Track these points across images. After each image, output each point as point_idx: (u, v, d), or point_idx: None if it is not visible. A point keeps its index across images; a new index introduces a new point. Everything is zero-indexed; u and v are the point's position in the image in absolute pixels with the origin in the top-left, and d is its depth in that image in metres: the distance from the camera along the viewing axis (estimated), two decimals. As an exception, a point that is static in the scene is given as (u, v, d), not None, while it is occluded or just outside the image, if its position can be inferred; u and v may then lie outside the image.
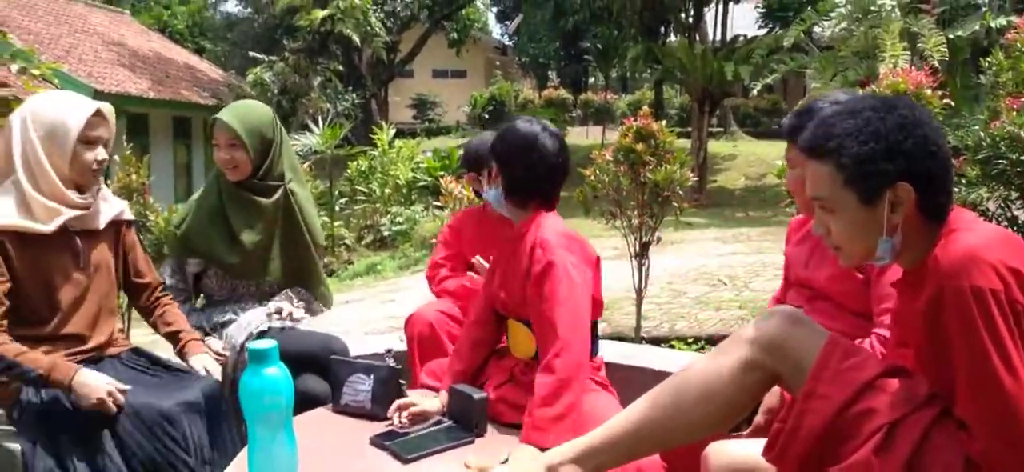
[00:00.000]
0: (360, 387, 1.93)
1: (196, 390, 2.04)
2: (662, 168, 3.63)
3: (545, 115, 20.15)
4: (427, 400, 1.90)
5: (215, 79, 18.36)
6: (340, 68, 18.33)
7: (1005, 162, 3.01)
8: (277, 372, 1.50)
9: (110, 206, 2.20)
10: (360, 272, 9.60)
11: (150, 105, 14.45)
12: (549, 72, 30.54)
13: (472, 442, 1.75)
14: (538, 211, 1.95)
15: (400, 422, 1.85)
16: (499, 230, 2.66)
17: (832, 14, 9.86)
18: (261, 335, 2.34)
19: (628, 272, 3.93)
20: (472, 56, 29.15)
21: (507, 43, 32.87)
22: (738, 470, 1.51)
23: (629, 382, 2.03)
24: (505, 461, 1.52)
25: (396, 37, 22.34)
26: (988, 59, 4.09)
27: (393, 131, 14.16)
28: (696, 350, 3.93)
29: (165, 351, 2.35)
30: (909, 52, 8.16)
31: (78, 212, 2.05)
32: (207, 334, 2.37)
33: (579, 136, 20.42)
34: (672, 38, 17.52)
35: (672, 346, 4.00)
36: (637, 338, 3.97)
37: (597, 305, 1.96)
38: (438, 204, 10.13)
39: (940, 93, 3.29)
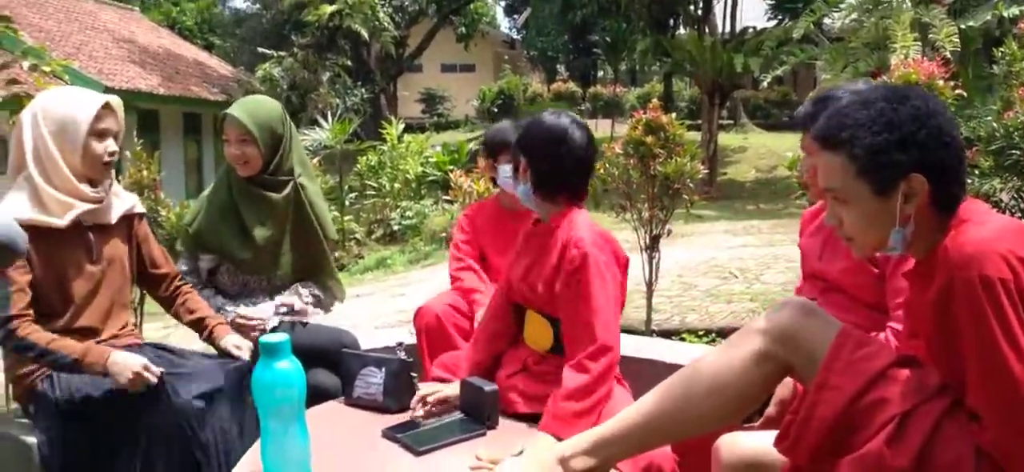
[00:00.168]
0: (372, 380, 1.94)
1: (219, 375, 2.06)
2: (672, 161, 3.63)
3: (554, 109, 20.11)
4: (448, 386, 1.92)
5: (224, 75, 18.42)
6: (349, 63, 18.38)
7: (1018, 152, 3.00)
8: (289, 365, 1.50)
9: (121, 201, 2.22)
10: (370, 266, 9.62)
11: (160, 101, 14.51)
12: (558, 66, 30.48)
13: (484, 434, 1.75)
14: (569, 205, 1.93)
15: (425, 411, 1.86)
16: (513, 220, 2.69)
17: (842, 5, 9.79)
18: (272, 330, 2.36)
19: (638, 265, 3.93)
20: (480, 50, 29.11)
21: (515, 37, 32.80)
22: (749, 462, 1.51)
23: (640, 375, 2.03)
24: (520, 453, 1.53)
25: (404, 32, 22.35)
26: (1001, 49, 4.07)
27: (402, 126, 14.16)
28: (707, 343, 3.92)
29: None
30: (920, 43, 8.08)
31: (91, 206, 2.07)
32: None
33: (588, 130, 20.34)
34: (681, 31, 17.45)
35: (682, 339, 4.00)
36: (647, 331, 3.97)
37: (619, 305, 1.96)
38: (448, 198, 10.14)
39: (952, 84, 3.27)
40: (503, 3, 30.93)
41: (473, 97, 25.54)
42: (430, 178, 12.56)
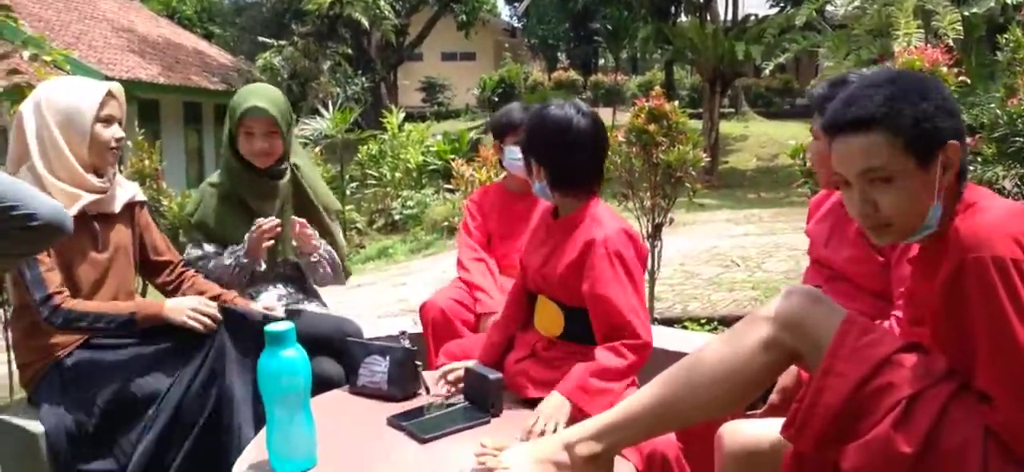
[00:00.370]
0: (376, 368, 1.95)
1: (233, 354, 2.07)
2: (675, 149, 3.62)
3: (555, 97, 20.07)
4: (467, 363, 1.94)
5: (225, 64, 18.36)
6: (349, 52, 18.32)
7: (1021, 140, 3.00)
8: (294, 354, 1.51)
9: (124, 190, 2.22)
10: (372, 256, 9.63)
11: (161, 91, 14.48)
12: (559, 54, 30.39)
13: (488, 422, 1.76)
14: (588, 195, 1.93)
15: (449, 391, 1.90)
16: (519, 203, 2.70)
17: (845, -9, 9.76)
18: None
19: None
20: (481, 38, 29.01)
21: (516, 25, 32.70)
22: (752, 449, 1.51)
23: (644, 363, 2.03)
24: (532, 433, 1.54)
25: (405, 20, 22.28)
26: (1005, 36, 4.06)
27: (403, 115, 14.15)
28: (709, 331, 3.93)
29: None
30: (923, 30, 8.06)
31: (96, 196, 2.07)
32: None
33: (589, 118, 20.29)
34: (683, 18, 17.38)
35: (685, 327, 4.01)
36: (650, 320, 3.97)
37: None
38: (449, 187, 10.15)
39: (955, 71, 3.26)
40: (504, -9, 30.84)
41: (474, 86, 25.47)
42: (431, 167, 12.56)
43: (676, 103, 3.85)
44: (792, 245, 6.28)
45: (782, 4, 17.51)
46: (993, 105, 3.45)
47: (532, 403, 1.85)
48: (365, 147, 12.87)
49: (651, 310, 4.03)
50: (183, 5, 26.03)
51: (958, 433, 1.18)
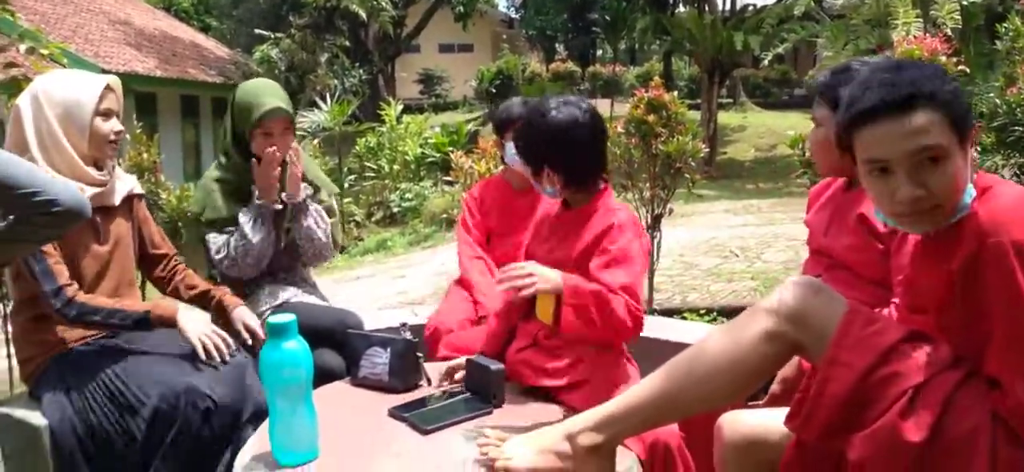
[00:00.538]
0: (377, 360, 1.95)
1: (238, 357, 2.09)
2: (674, 139, 3.62)
3: (553, 89, 20.05)
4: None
5: (222, 57, 18.30)
6: (347, 44, 18.28)
7: (1020, 129, 3.00)
8: (296, 345, 1.51)
9: (123, 182, 2.23)
10: (370, 248, 9.64)
11: (158, 84, 14.43)
12: (556, 45, 30.29)
13: (490, 413, 1.76)
14: (601, 184, 1.94)
15: (450, 385, 1.90)
16: (521, 199, 2.68)
17: (843, -19, 9.75)
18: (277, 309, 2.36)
19: (640, 244, 3.93)
20: (479, 30, 28.94)
21: (514, 16, 32.61)
22: (751, 439, 1.51)
23: (642, 352, 2.03)
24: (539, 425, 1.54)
25: (402, 12, 22.22)
26: (1004, 24, 4.05)
27: (400, 107, 14.12)
28: (708, 321, 3.93)
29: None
30: (922, 19, 8.05)
31: (97, 189, 2.06)
32: None
33: (587, 109, 20.28)
34: (681, 8, 17.38)
35: (684, 318, 4.01)
36: (649, 310, 3.98)
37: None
38: (448, 179, 10.13)
39: (954, 60, 3.26)
40: (501, -18, 30.74)
41: (471, 77, 25.40)
42: (429, 159, 12.55)
43: (675, 94, 3.85)
44: (791, 235, 6.29)
45: (780, -6, 17.47)
46: (992, 94, 3.45)
47: (534, 391, 1.86)
48: (363, 139, 12.86)
49: (651, 301, 4.04)
50: (180, -2, 25.94)
51: (966, 420, 1.18)
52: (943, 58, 3.19)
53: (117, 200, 2.17)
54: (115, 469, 1.97)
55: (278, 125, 2.34)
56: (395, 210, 11.18)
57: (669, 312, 4.16)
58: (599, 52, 29.76)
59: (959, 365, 1.24)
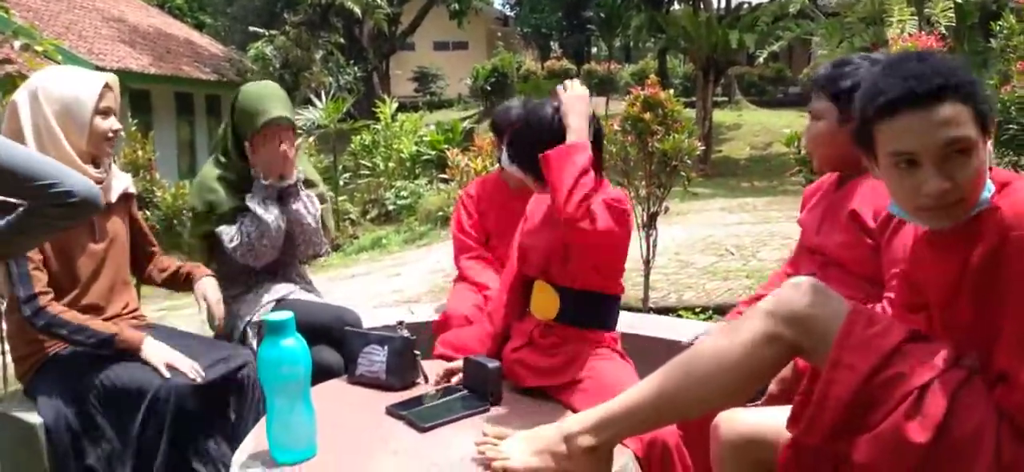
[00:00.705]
0: (375, 358, 1.95)
1: (231, 359, 2.09)
2: (670, 137, 3.62)
3: (548, 86, 20.03)
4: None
5: (216, 54, 18.25)
6: (341, 41, 18.25)
7: (1015, 127, 3.01)
8: (294, 343, 1.51)
9: (118, 180, 2.23)
10: (365, 246, 9.62)
11: (152, 81, 14.39)
12: (551, 43, 30.33)
13: (487, 410, 1.76)
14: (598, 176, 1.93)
15: (447, 387, 1.90)
16: (519, 199, 2.67)
17: (838, -21, 9.77)
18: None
19: (636, 243, 3.93)
20: (474, 27, 28.92)
21: (509, 14, 32.63)
22: (749, 438, 1.50)
23: (638, 351, 2.04)
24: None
25: (397, 9, 22.18)
26: (999, 23, 4.06)
27: (395, 105, 14.10)
28: (704, 320, 3.94)
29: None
30: (916, 17, 8.07)
31: (94, 186, 2.06)
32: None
33: (582, 107, 20.28)
34: (676, 6, 17.40)
35: (680, 316, 4.02)
36: (645, 308, 3.99)
37: (623, 258, 1.96)
38: (443, 177, 10.13)
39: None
40: (496, -20, 30.72)
41: (466, 75, 25.40)
42: (424, 157, 12.53)
43: (670, 91, 3.85)
44: (786, 234, 6.30)
45: (775, -8, 17.50)
46: (987, 92, 3.47)
47: (530, 392, 1.86)
48: (358, 137, 12.83)
49: (646, 299, 4.05)
50: (173, -6, 25.84)
51: (970, 419, 1.17)
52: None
53: (113, 198, 2.17)
54: (109, 467, 1.97)
55: (285, 133, 2.34)
56: (390, 208, 11.17)
57: (665, 310, 4.16)
58: (594, 50, 29.79)
59: (961, 364, 1.23)
